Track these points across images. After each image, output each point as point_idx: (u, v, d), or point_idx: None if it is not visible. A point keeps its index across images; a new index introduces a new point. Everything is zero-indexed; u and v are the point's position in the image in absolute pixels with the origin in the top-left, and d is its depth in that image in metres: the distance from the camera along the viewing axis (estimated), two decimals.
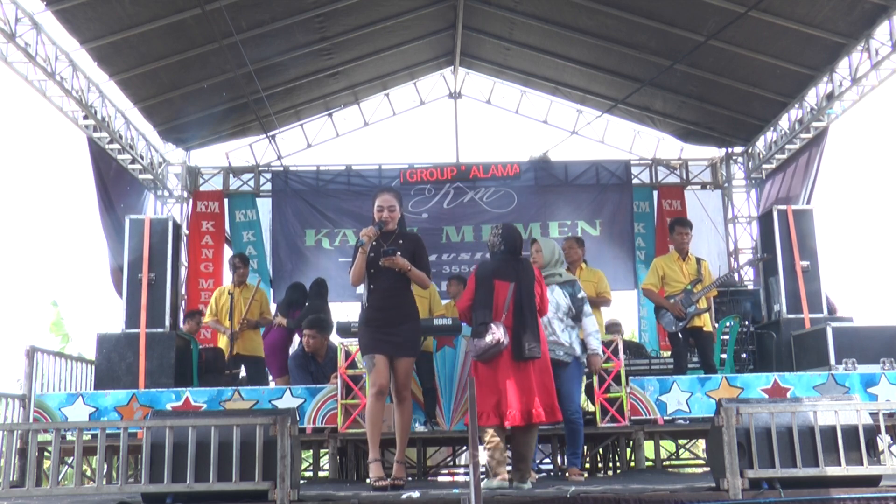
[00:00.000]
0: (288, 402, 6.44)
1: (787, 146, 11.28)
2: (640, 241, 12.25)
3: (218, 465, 3.95)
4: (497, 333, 4.70)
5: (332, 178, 12.30)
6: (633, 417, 6.44)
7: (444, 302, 8.96)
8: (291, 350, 8.29)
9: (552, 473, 7.13)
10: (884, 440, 4.57)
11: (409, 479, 7.01)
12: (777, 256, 8.17)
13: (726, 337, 8.35)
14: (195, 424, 4.03)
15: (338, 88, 12.14)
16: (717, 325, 8.23)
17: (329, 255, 11.89)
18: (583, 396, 7.15)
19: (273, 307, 10.50)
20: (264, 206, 12.29)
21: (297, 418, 4.24)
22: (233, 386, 6.98)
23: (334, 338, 7.09)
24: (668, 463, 9.58)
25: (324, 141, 12.92)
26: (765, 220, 8.62)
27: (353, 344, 6.31)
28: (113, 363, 7.38)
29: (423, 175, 12.18)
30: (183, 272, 11.13)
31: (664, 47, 10.17)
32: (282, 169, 12.42)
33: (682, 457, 10.27)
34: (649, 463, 7.50)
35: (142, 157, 11.14)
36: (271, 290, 11.83)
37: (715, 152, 12.86)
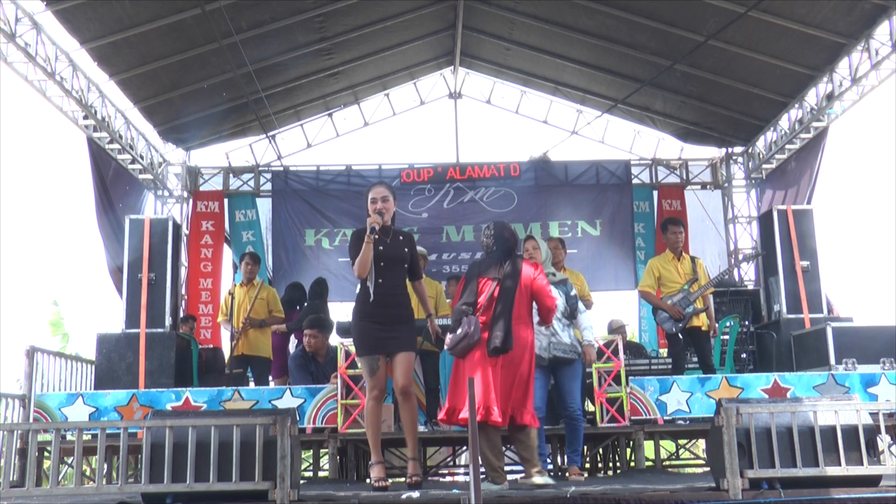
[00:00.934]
0: (288, 402, 6.44)
1: (787, 146, 11.28)
2: (640, 241, 12.25)
3: (218, 465, 3.95)
4: (467, 327, 4.64)
5: (332, 178, 12.31)
6: (633, 417, 6.44)
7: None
8: (291, 350, 8.30)
9: (552, 473, 7.12)
10: (884, 440, 4.57)
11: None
12: (777, 256, 8.18)
13: (726, 337, 8.36)
14: (195, 424, 4.03)
15: (338, 88, 12.14)
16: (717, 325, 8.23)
17: (329, 255, 11.89)
18: (584, 396, 7.16)
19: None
20: (264, 206, 12.30)
21: (297, 418, 4.24)
22: (233, 386, 6.98)
23: (334, 338, 7.10)
24: (668, 463, 9.58)
25: (324, 141, 12.93)
26: (765, 220, 8.62)
27: (353, 344, 6.31)
28: (113, 363, 7.39)
29: (423, 175, 12.19)
30: (183, 272, 11.14)
31: (664, 47, 10.17)
32: (282, 169, 12.42)
33: (682, 457, 10.27)
34: (649, 463, 7.50)
35: (142, 157, 11.14)
36: None
37: (715, 152, 12.86)
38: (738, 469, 3.97)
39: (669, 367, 7.58)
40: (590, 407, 7.06)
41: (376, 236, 4.74)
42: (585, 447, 7.80)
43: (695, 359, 7.70)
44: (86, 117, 9.63)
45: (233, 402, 6.48)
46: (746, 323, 8.74)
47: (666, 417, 6.55)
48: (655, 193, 12.54)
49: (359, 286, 4.95)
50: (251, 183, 12.54)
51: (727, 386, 6.55)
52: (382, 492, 4.49)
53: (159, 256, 7.76)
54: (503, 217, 11.80)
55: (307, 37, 10.25)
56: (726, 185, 12.71)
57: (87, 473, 7.81)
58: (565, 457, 5.93)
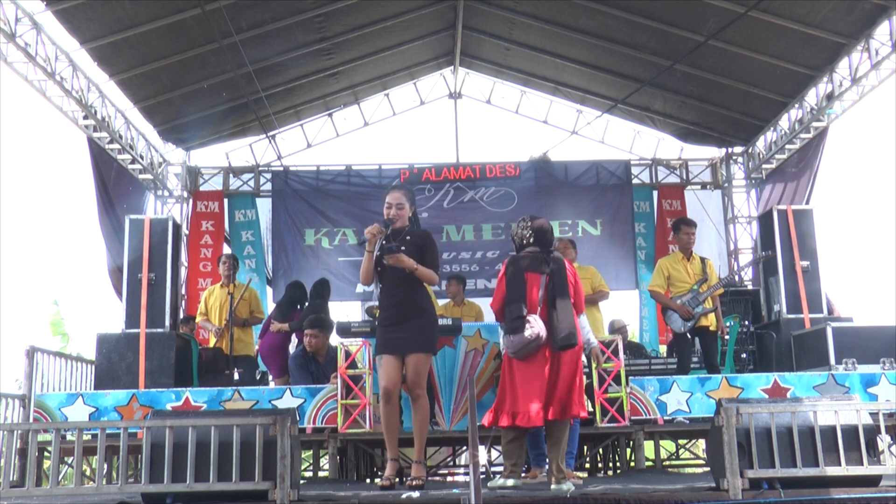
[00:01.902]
0: (288, 402, 6.43)
1: (787, 146, 11.28)
2: (640, 241, 12.26)
3: (218, 465, 3.95)
4: (536, 327, 4.55)
5: (332, 178, 12.31)
6: (633, 417, 6.43)
7: (442, 302, 8.98)
8: (291, 350, 8.29)
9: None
10: (884, 440, 4.57)
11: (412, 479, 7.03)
12: (777, 256, 8.17)
13: (726, 337, 8.35)
14: (195, 424, 4.03)
15: (338, 88, 12.14)
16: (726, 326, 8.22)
17: (329, 255, 11.90)
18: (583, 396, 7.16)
19: (267, 307, 10.56)
20: (264, 206, 12.31)
21: (297, 418, 4.24)
22: (233, 386, 6.98)
23: (334, 338, 7.10)
24: (668, 463, 9.57)
25: (324, 141, 12.94)
26: (765, 220, 8.62)
27: (353, 344, 6.31)
28: (113, 363, 7.38)
29: (423, 175, 12.19)
30: (183, 272, 11.13)
31: (664, 47, 10.17)
32: (282, 169, 12.43)
33: (682, 457, 10.27)
34: (649, 463, 7.50)
35: (142, 157, 11.14)
36: (270, 290, 11.85)
37: (715, 152, 12.86)
38: (738, 469, 3.97)
39: (669, 366, 7.57)
40: (589, 407, 7.06)
41: (370, 250, 4.75)
42: (585, 447, 7.82)
43: (695, 358, 7.70)
44: (86, 117, 9.63)
45: (233, 402, 6.47)
46: (746, 323, 8.73)
47: (666, 417, 6.54)
48: (655, 193, 12.54)
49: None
50: (251, 183, 12.54)
51: (727, 386, 6.54)
52: (383, 490, 4.49)
53: (159, 256, 7.76)
54: (503, 216, 11.85)
55: (307, 37, 10.25)
56: (726, 185, 12.71)
57: (87, 473, 7.80)
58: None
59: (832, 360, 7.02)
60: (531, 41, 11.33)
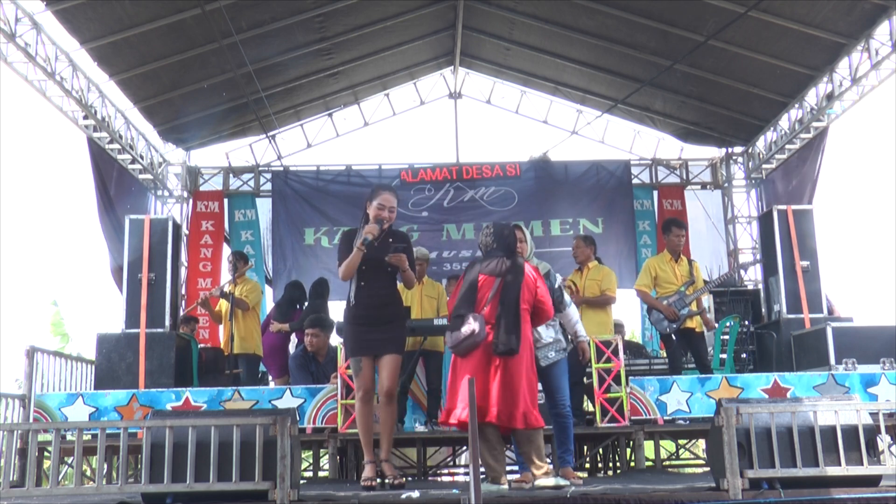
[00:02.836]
0: (288, 402, 6.44)
1: (787, 146, 11.28)
2: (645, 239, 12.25)
3: (218, 465, 3.95)
4: (473, 324, 4.55)
5: (332, 178, 12.31)
6: (633, 417, 6.44)
7: None
8: (291, 350, 8.29)
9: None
10: (884, 440, 4.57)
11: (409, 479, 7.04)
12: (777, 256, 8.18)
13: (726, 337, 8.36)
14: (195, 424, 4.03)
15: (338, 88, 12.14)
16: (716, 325, 8.22)
17: (328, 254, 11.88)
18: (583, 396, 7.16)
19: (267, 307, 10.55)
20: (264, 206, 12.31)
21: (297, 418, 4.24)
22: (233, 386, 6.98)
23: (334, 338, 7.10)
24: (668, 463, 9.57)
25: (324, 141, 12.93)
26: (765, 220, 8.62)
27: None
28: (113, 363, 7.38)
29: (424, 175, 12.19)
30: (183, 272, 11.14)
31: (664, 47, 10.17)
32: (282, 169, 12.42)
33: (682, 457, 10.27)
34: (649, 463, 7.50)
35: (142, 158, 11.14)
36: (269, 289, 11.85)
37: (715, 152, 12.86)
38: (738, 469, 3.96)
39: (666, 367, 7.58)
40: (590, 407, 7.06)
41: (364, 250, 4.75)
42: (585, 447, 7.82)
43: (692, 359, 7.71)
44: (86, 117, 9.63)
45: (233, 402, 6.48)
46: (746, 323, 8.73)
47: (666, 417, 6.54)
48: (656, 193, 12.54)
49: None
50: (251, 183, 12.54)
51: (727, 386, 6.55)
52: (370, 491, 4.49)
53: (159, 256, 7.76)
54: (504, 215, 11.83)
55: (307, 37, 10.25)
56: (726, 185, 12.71)
57: (87, 473, 7.80)
58: (557, 458, 5.85)
59: (832, 360, 7.02)
60: (531, 41, 11.33)
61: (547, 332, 5.32)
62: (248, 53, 9.35)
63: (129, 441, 4.23)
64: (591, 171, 12.34)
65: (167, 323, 7.63)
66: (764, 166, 12.02)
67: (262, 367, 8.75)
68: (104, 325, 12.97)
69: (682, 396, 6.53)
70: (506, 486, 4.61)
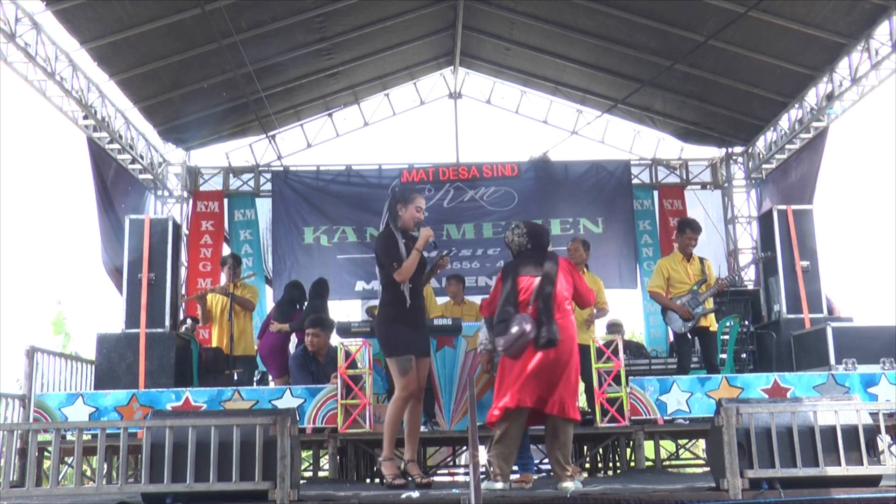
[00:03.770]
0: (288, 402, 6.43)
1: (787, 146, 11.28)
2: (646, 239, 12.24)
3: (218, 465, 3.95)
4: (523, 325, 4.60)
5: (332, 178, 12.31)
6: (633, 417, 6.44)
7: (441, 301, 8.99)
8: (292, 350, 8.28)
9: (551, 473, 7.12)
10: (884, 440, 4.57)
11: (409, 478, 7.04)
12: (777, 256, 8.18)
13: (726, 337, 8.36)
14: (195, 424, 4.03)
15: (338, 88, 12.14)
16: (717, 325, 8.21)
17: (328, 252, 11.88)
18: (583, 396, 7.16)
19: (266, 306, 10.55)
20: (264, 206, 12.31)
21: (297, 418, 4.24)
22: (233, 386, 6.98)
23: (334, 338, 7.10)
24: (668, 463, 9.58)
25: (324, 141, 12.92)
26: (765, 220, 8.62)
27: (353, 344, 6.31)
28: (113, 363, 7.39)
29: (423, 175, 12.19)
30: (183, 272, 11.14)
31: (664, 47, 10.17)
32: (282, 169, 12.42)
33: (682, 457, 10.28)
34: (649, 463, 7.50)
35: (142, 157, 11.14)
36: (268, 288, 11.85)
37: (715, 152, 12.86)
38: (738, 469, 3.97)
39: (669, 366, 7.58)
40: (589, 407, 7.06)
41: (420, 247, 4.91)
42: (585, 447, 7.82)
43: (695, 358, 7.71)
44: (86, 117, 9.63)
45: (233, 402, 6.48)
46: (746, 323, 8.74)
47: (666, 417, 6.54)
48: (656, 193, 12.54)
49: (382, 289, 4.98)
50: (251, 183, 12.54)
51: (727, 386, 6.55)
52: (398, 490, 4.50)
53: (159, 256, 7.76)
54: (504, 215, 11.85)
55: (307, 37, 10.25)
56: (726, 185, 12.71)
57: (87, 473, 7.81)
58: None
59: (832, 360, 7.03)
60: (531, 41, 11.32)
61: None
62: (248, 53, 9.34)
63: (129, 441, 4.23)
64: (591, 171, 12.34)
65: (167, 323, 7.63)
66: (764, 166, 12.02)
67: (261, 367, 8.77)
68: (107, 324, 12.96)
69: (682, 396, 6.53)
70: (508, 486, 4.63)
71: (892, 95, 10.18)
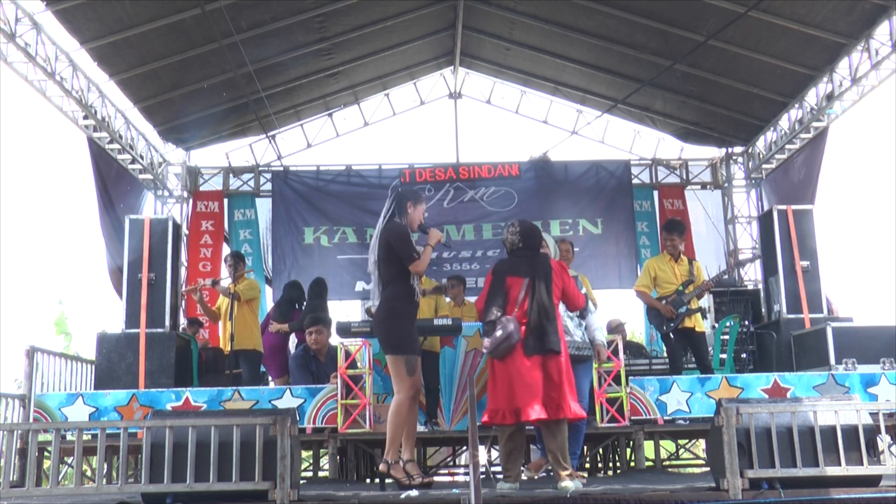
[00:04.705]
0: (288, 402, 6.44)
1: (787, 146, 11.28)
2: (644, 240, 12.25)
3: (218, 465, 3.95)
4: (508, 327, 4.61)
5: (332, 178, 12.31)
6: (633, 417, 6.44)
7: None
8: (292, 350, 8.28)
9: (551, 473, 7.12)
10: (884, 440, 4.57)
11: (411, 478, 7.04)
12: (777, 256, 8.18)
13: (726, 337, 8.36)
14: (195, 424, 4.03)
15: (338, 88, 12.14)
16: (717, 325, 8.22)
17: (328, 252, 11.89)
18: None
19: (266, 306, 10.53)
20: (263, 206, 12.32)
21: (297, 418, 4.24)
22: (233, 386, 6.98)
23: (334, 338, 7.10)
24: (668, 463, 9.58)
25: (324, 141, 12.93)
26: (765, 220, 8.62)
27: (353, 344, 6.32)
28: (113, 363, 7.39)
29: (424, 175, 12.19)
30: (183, 272, 11.14)
31: (664, 47, 10.17)
32: (282, 169, 12.42)
33: (682, 457, 10.28)
34: (649, 463, 7.50)
35: (142, 157, 11.14)
36: (269, 288, 11.85)
37: (715, 152, 12.86)
38: (738, 469, 3.97)
39: (667, 367, 7.58)
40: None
41: (433, 242, 4.96)
42: (585, 447, 7.82)
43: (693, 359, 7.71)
44: (86, 117, 9.63)
45: (233, 402, 6.48)
46: (746, 323, 8.74)
47: (666, 417, 6.55)
48: (656, 193, 12.54)
49: (382, 285, 4.91)
50: (251, 183, 12.55)
51: (727, 386, 6.55)
52: (427, 489, 4.52)
53: (159, 256, 7.76)
54: (504, 215, 11.84)
55: (307, 37, 10.25)
56: (726, 185, 12.71)
57: (87, 473, 7.80)
58: None
59: (832, 360, 7.02)
60: (531, 41, 11.33)
61: (576, 331, 5.56)
62: (248, 53, 9.34)
63: (129, 441, 4.23)
64: (590, 171, 12.34)
65: (167, 323, 7.62)
66: (764, 166, 12.02)
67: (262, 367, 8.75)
68: (108, 324, 12.96)
69: (682, 396, 6.53)
70: (517, 486, 4.65)
71: (892, 95, 10.18)
